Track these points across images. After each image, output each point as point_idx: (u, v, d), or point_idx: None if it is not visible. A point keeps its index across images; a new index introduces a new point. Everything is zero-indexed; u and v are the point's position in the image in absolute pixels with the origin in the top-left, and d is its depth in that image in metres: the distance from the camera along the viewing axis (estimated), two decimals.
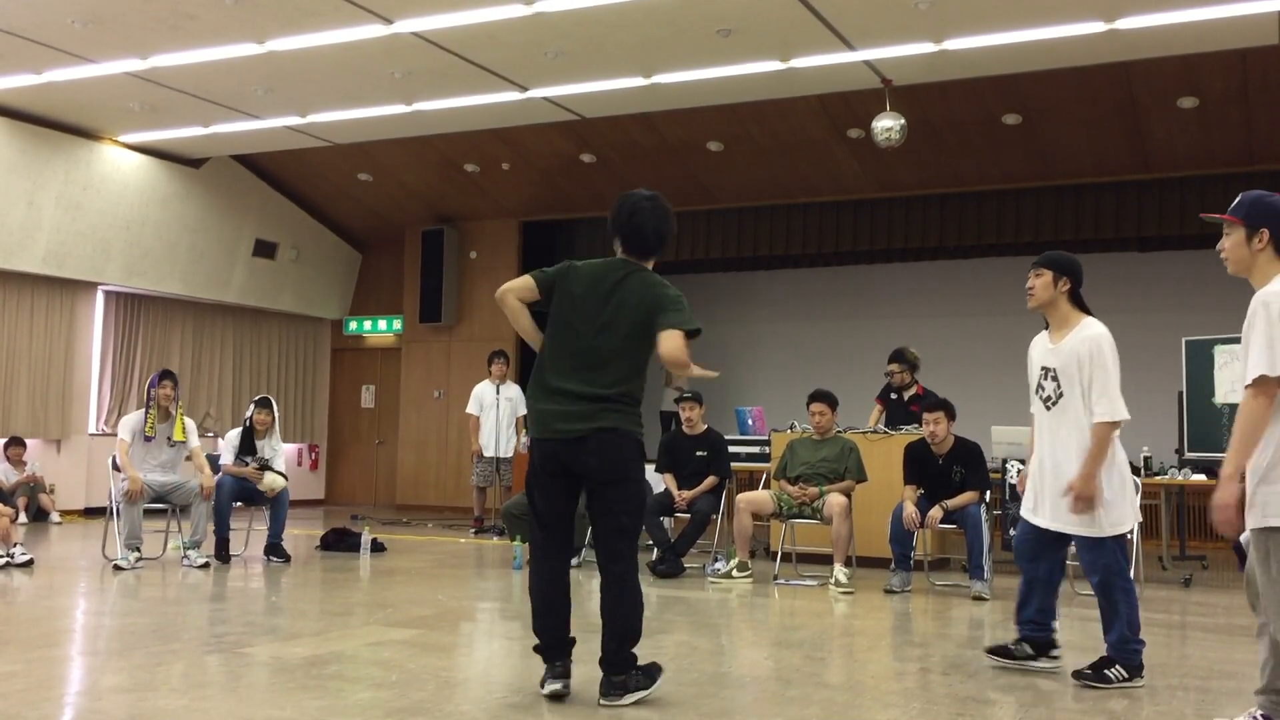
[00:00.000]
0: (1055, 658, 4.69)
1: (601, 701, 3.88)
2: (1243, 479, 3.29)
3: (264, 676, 4.35)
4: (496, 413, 10.91)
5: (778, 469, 7.89)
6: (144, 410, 7.97)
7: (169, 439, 8.00)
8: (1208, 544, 10.34)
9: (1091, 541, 4.46)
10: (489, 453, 10.90)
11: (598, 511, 4.00)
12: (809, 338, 14.47)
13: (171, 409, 8.03)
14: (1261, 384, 3.25)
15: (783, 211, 12.74)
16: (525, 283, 4.12)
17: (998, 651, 4.76)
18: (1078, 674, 4.46)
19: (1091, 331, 4.48)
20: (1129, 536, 4.57)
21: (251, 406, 8.62)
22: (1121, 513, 4.44)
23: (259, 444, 8.43)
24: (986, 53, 8.68)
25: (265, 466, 8.35)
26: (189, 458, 8.14)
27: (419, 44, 8.77)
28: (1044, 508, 4.56)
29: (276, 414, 8.61)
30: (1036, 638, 4.69)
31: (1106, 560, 4.46)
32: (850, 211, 12.47)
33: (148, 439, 7.92)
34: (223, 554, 8.10)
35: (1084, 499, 4.32)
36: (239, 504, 8.37)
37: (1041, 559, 4.64)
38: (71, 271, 11.62)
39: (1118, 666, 4.41)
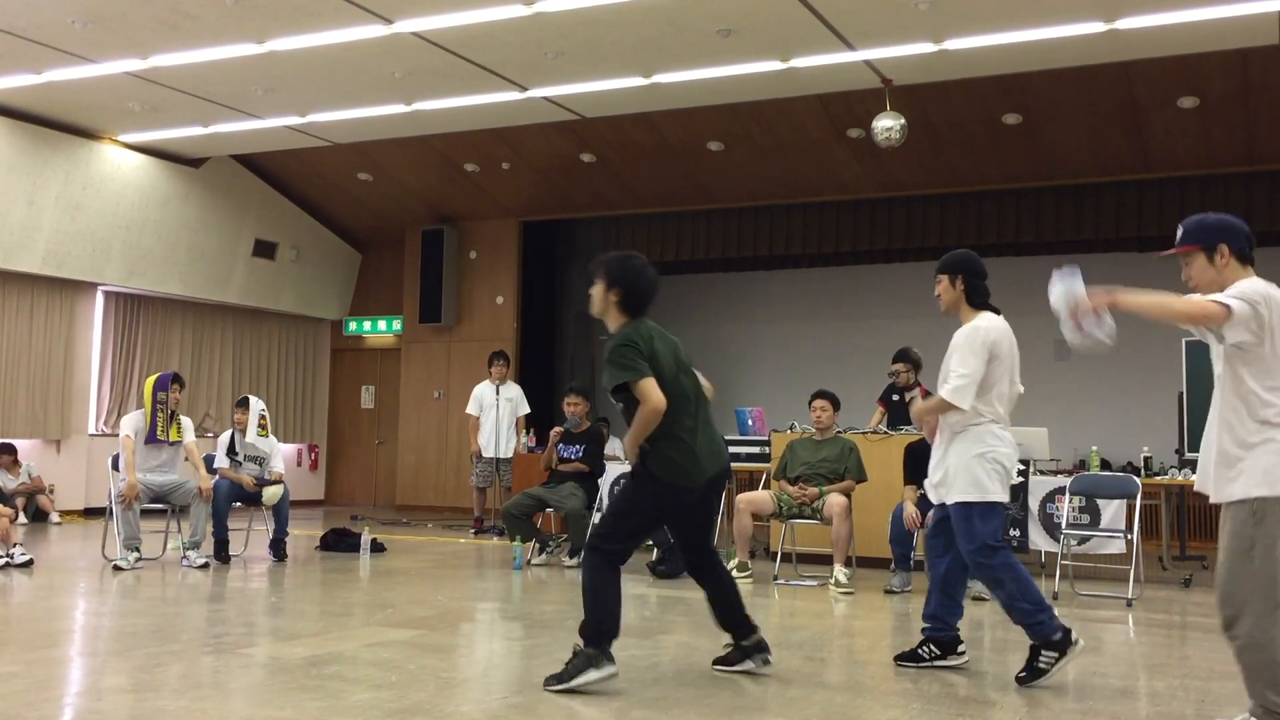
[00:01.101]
0: (961, 654, 4.70)
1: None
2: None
3: (264, 677, 4.35)
4: (496, 413, 10.91)
5: (777, 469, 7.88)
6: (150, 413, 7.93)
7: (158, 435, 8.01)
8: (1208, 544, 10.33)
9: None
10: (488, 453, 10.90)
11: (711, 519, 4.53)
12: (809, 338, 14.47)
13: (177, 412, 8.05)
14: (1219, 308, 3.30)
15: (783, 211, 12.74)
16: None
17: (906, 658, 4.75)
18: (1019, 679, 4.39)
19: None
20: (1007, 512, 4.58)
21: (240, 400, 8.74)
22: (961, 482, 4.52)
23: (240, 441, 8.44)
24: (987, 53, 8.68)
25: (262, 481, 8.35)
26: (186, 457, 8.15)
27: (419, 44, 8.77)
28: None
29: (256, 409, 8.57)
30: (940, 637, 4.72)
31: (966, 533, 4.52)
32: (850, 211, 12.47)
33: (155, 441, 7.90)
34: (222, 554, 8.10)
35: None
36: (238, 504, 8.37)
37: (946, 553, 4.76)
38: (71, 272, 11.61)
39: (1043, 651, 4.35)
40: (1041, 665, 4.35)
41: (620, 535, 4.25)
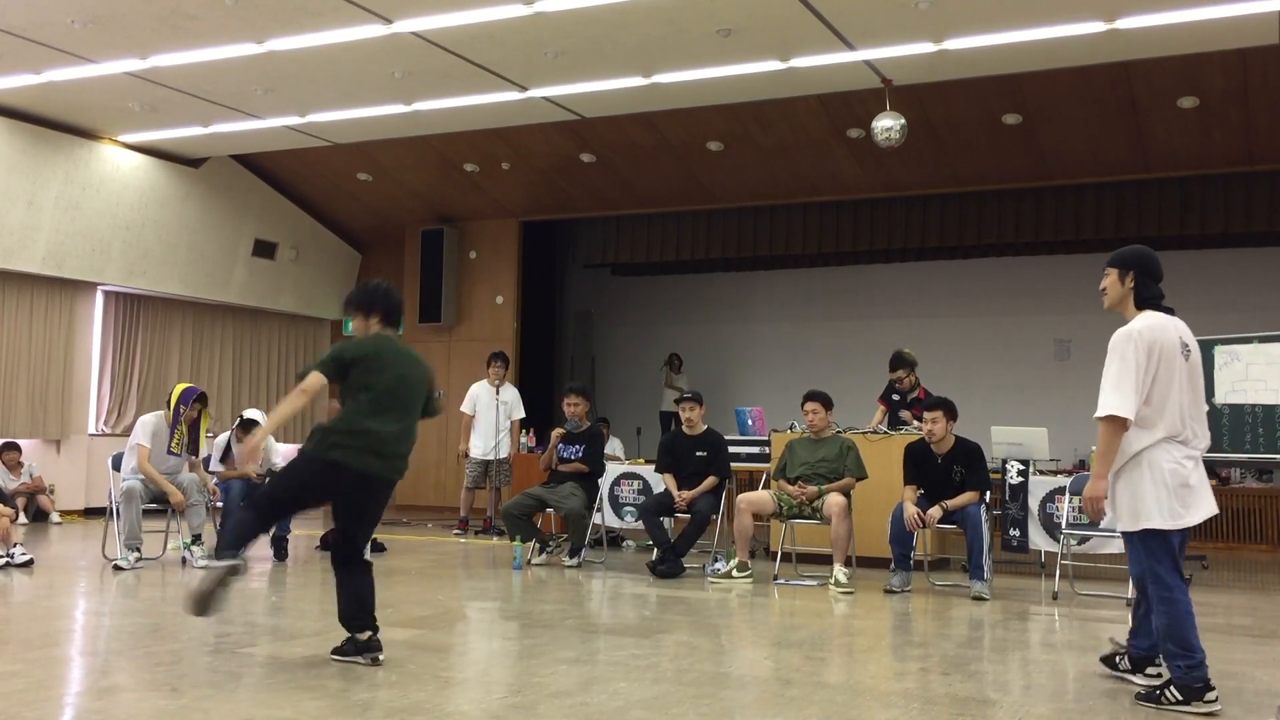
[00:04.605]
0: (1150, 675, 4.37)
1: None
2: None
3: (264, 676, 4.35)
4: (493, 415, 10.81)
5: (777, 469, 7.88)
6: (170, 426, 7.90)
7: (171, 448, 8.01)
8: (1208, 544, 10.34)
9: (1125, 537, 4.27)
10: (480, 455, 10.79)
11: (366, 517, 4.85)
12: (809, 338, 14.48)
13: (191, 426, 8.04)
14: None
15: (783, 211, 12.74)
16: None
17: (1105, 661, 4.64)
18: (1137, 696, 4.16)
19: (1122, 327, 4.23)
20: (1173, 537, 4.18)
21: (239, 419, 8.61)
22: (1137, 507, 4.16)
23: (236, 449, 8.43)
24: (986, 53, 8.68)
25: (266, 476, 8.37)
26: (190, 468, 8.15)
27: (419, 44, 8.77)
28: None
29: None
30: (1133, 654, 4.51)
31: (1131, 560, 4.28)
32: (850, 211, 12.48)
33: (171, 453, 7.88)
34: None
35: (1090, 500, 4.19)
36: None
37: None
38: (71, 272, 11.61)
39: (1171, 688, 4.03)
40: (1161, 697, 4.06)
41: (274, 495, 4.82)
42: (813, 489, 7.48)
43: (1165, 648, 4.08)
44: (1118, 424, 4.11)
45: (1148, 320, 4.20)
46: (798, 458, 7.73)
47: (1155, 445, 4.12)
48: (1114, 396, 4.09)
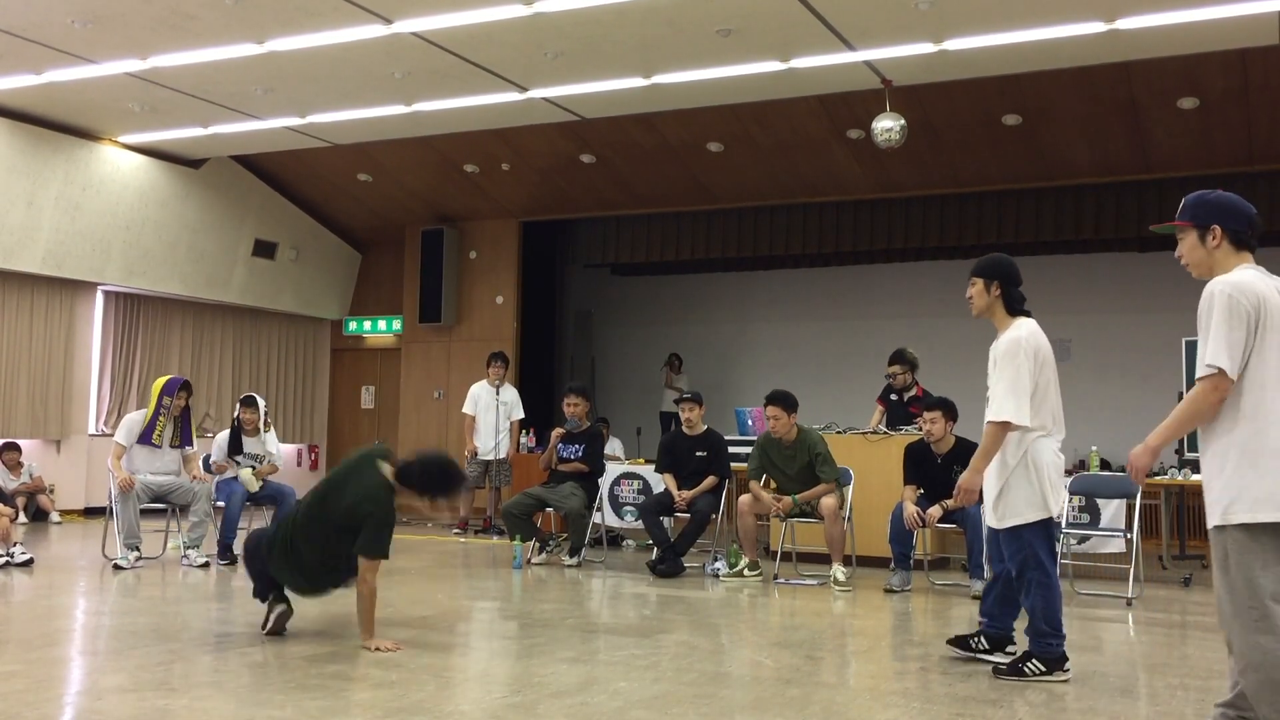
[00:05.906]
0: (1010, 654, 4.77)
1: None
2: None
3: (264, 676, 4.35)
4: (494, 414, 10.83)
5: (755, 471, 7.73)
6: (152, 414, 7.90)
7: (169, 441, 8.01)
8: (1207, 543, 10.33)
9: (1003, 533, 4.65)
10: (479, 454, 10.79)
11: None
12: (809, 338, 14.48)
13: (180, 417, 8.04)
14: (1214, 379, 3.23)
15: (783, 211, 12.74)
16: None
17: (957, 642, 4.96)
18: (996, 670, 4.59)
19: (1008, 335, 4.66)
20: (1054, 529, 4.69)
21: (238, 406, 8.59)
22: (1016, 504, 4.55)
23: (248, 442, 8.40)
24: (986, 53, 8.68)
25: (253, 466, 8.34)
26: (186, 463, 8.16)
27: (419, 44, 8.77)
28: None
29: (263, 410, 8.52)
30: (990, 633, 4.88)
31: (1013, 550, 4.62)
32: (850, 211, 12.47)
33: (149, 443, 7.89)
34: (226, 555, 8.07)
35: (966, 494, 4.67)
36: (247, 503, 8.33)
37: (1000, 558, 4.82)
38: (71, 271, 11.61)
39: (1034, 660, 4.51)
40: (1025, 670, 4.52)
41: None
42: (787, 499, 7.49)
43: (1038, 626, 4.51)
44: (1007, 429, 4.52)
45: (1030, 328, 4.67)
46: (775, 465, 7.65)
47: (1035, 441, 4.54)
48: (1010, 403, 4.51)
